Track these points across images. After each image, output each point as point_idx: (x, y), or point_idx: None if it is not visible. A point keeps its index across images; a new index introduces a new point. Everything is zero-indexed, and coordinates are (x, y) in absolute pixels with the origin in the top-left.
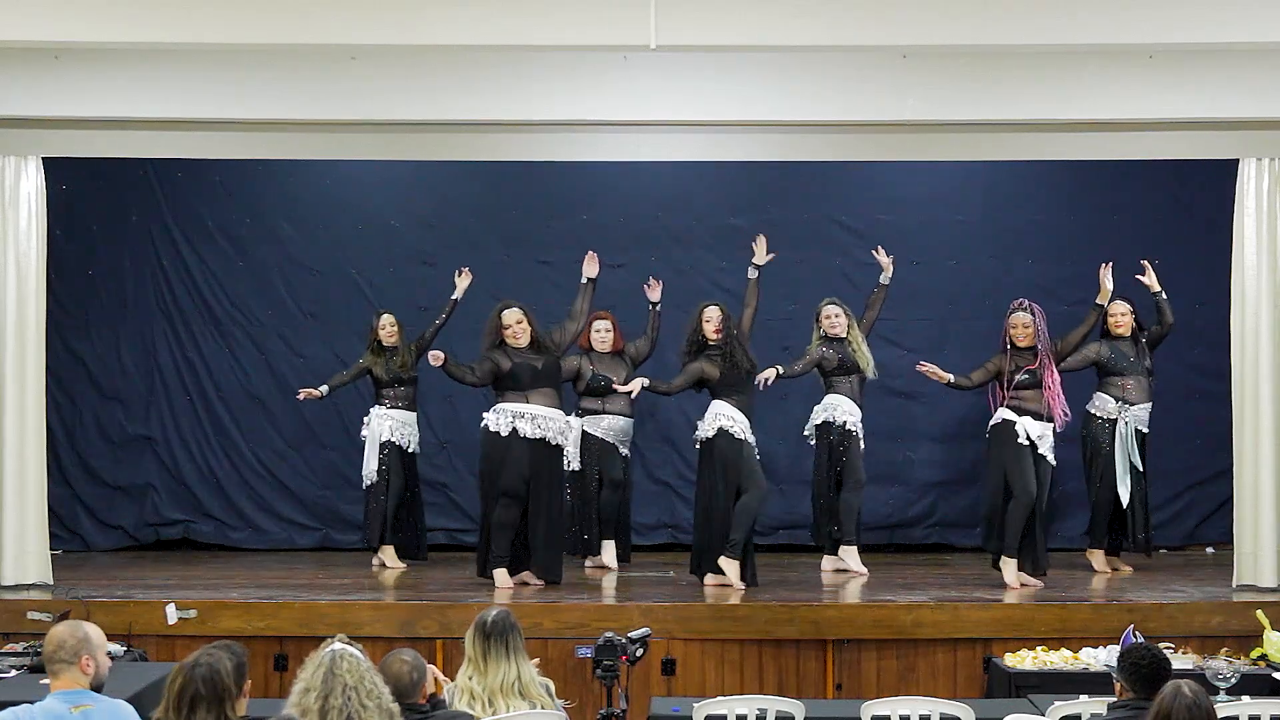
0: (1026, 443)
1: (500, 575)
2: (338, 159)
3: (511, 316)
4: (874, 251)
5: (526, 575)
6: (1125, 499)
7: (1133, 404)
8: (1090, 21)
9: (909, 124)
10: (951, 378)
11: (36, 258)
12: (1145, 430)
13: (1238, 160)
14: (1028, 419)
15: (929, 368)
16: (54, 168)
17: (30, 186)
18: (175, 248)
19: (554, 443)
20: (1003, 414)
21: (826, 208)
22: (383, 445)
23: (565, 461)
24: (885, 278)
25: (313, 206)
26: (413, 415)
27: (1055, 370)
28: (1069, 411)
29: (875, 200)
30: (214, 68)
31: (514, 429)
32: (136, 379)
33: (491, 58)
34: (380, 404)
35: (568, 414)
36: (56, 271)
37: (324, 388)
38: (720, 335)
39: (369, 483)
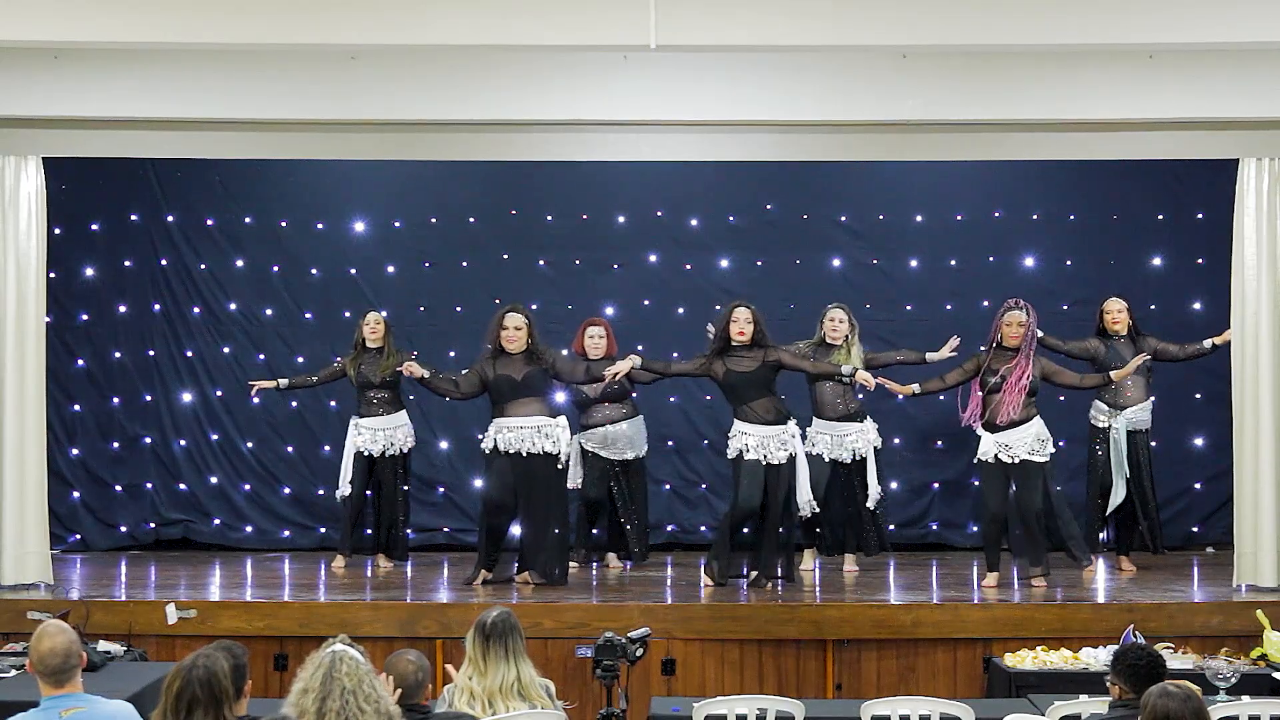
0: (991, 460)
1: (480, 575)
2: (338, 159)
3: (511, 321)
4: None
5: (527, 575)
6: (1113, 506)
7: (1126, 406)
8: (1090, 21)
9: (909, 124)
10: (917, 387)
11: (36, 258)
12: (1146, 428)
13: (1238, 160)
14: (990, 433)
15: (891, 384)
16: (54, 168)
17: (30, 186)
18: (175, 248)
19: (530, 452)
20: (978, 428)
21: (826, 208)
22: (356, 455)
23: (560, 467)
24: (932, 357)
25: (313, 206)
26: (391, 417)
27: (1028, 372)
28: (1015, 411)
29: (875, 200)
30: (214, 68)
31: (495, 443)
32: (136, 379)
33: (491, 58)
34: (357, 411)
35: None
36: (56, 271)
37: (283, 381)
38: (745, 337)
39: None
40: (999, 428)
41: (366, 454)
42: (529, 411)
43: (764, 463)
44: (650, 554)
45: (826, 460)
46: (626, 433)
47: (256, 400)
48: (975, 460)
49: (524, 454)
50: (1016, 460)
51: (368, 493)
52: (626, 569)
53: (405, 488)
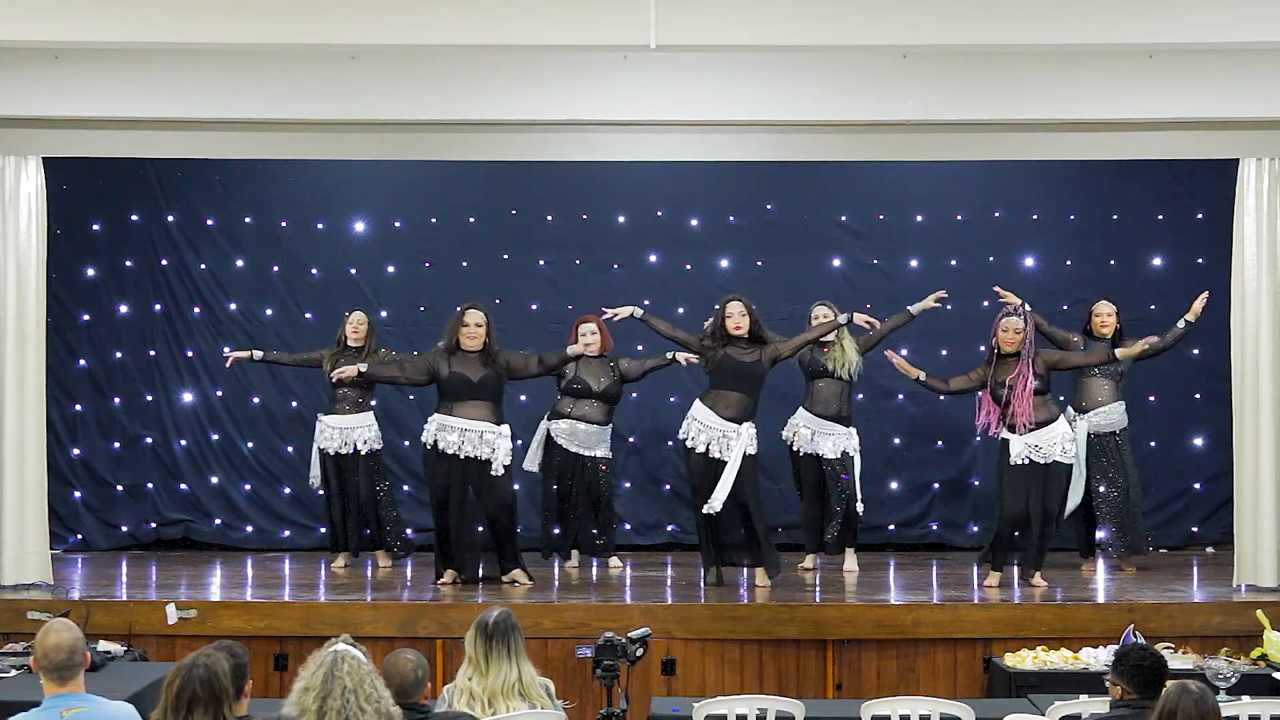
0: (1024, 462)
1: (447, 575)
2: (338, 159)
3: (472, 318)
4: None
5: (516, 574)
6: (1072, 505)
7: (1089, 409)
8: (1090, 21)
9: (909, 124)
10: (923, 375)
11: (36, 258)
12: (1118, 430)
13: (1238, 160)
14: (1019, 436)
15: (898, 360)
16: (54, 168)
17: (30, 186)
18: (175, 248)
19: (467, 456)
20: (1004, 432)
21: (826, 208)
22: (321, 453)
23: (499, 468)
24: (917, 308)
25: (313, 206)
26: (353, 418)
27: (1031, 378)
28: (1032, 420)
29: (875, 200)
30: (214, 68)
31: (436, 441)
32: (137, 379)
33: (491, 58)
34: (327, 408)
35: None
36: (56, 271)
37: (258, 353)
38: (741, 330)
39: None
40: (1026, 430)
41: (333, 452)
42: (476, 415)
43: (709, 455)
44: (650, 553)
45: (802, 455)
46: (583, 432)
47: (229, 364)
48: (1010, 461)
49: (461, 457)
50: (1048, 460)
51: (373, 492)
52: (627, 567)
53: (379, 490)
